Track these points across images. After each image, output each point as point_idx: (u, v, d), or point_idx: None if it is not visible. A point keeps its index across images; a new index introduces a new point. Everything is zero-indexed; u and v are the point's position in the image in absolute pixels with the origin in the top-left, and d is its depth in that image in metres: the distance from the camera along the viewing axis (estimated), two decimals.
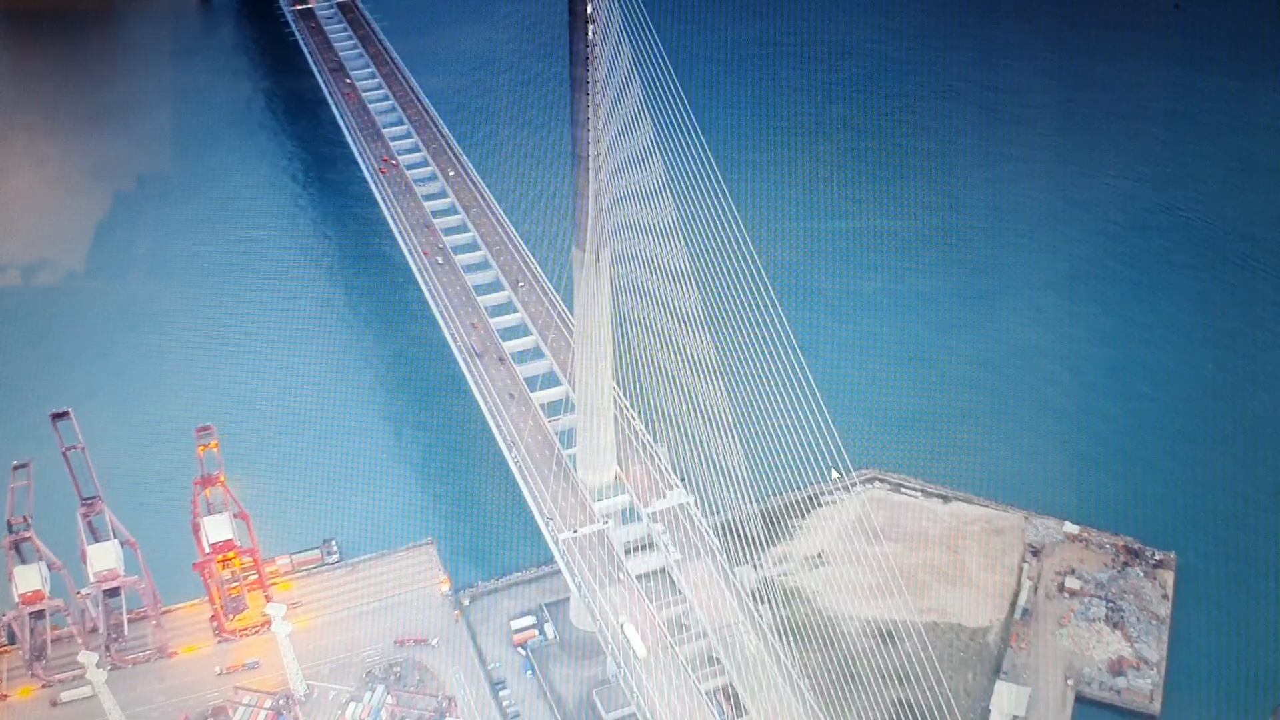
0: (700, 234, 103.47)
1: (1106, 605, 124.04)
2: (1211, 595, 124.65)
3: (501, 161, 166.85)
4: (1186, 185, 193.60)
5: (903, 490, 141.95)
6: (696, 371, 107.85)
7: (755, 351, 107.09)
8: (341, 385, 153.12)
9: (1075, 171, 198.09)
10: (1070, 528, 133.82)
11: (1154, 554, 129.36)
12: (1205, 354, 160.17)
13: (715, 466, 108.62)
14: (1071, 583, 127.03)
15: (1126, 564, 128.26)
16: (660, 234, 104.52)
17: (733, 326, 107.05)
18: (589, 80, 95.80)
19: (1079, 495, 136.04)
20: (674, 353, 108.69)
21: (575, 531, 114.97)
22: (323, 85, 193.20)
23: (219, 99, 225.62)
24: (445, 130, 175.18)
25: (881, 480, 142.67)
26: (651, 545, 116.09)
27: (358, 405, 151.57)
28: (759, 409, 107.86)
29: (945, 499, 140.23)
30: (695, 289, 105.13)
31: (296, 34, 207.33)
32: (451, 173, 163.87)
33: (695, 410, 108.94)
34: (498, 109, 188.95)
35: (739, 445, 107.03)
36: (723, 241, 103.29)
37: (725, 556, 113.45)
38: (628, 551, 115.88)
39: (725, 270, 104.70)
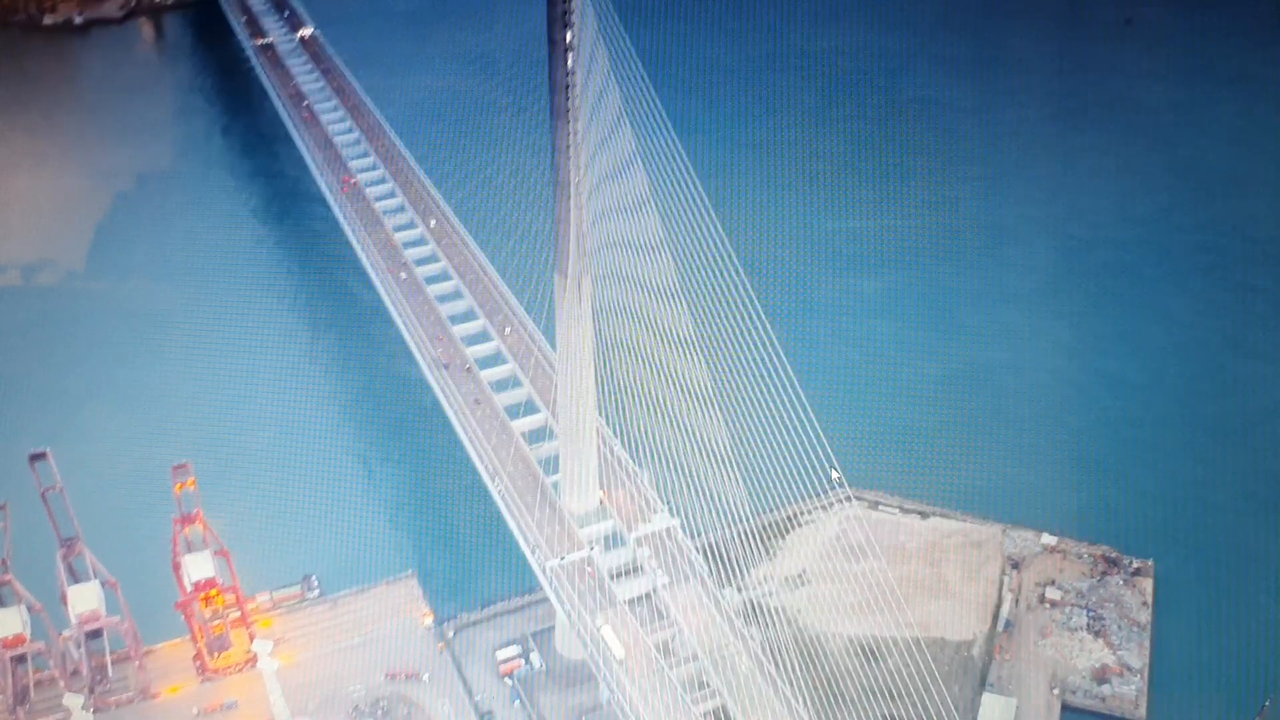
0: (680, 251, 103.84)
1: (1088, 614, 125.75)
2: (1190, 600, 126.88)
3: (474, 190, 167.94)
4: (1142, 198, 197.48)
5: (880, 507, 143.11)
6: (675, 393, 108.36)
7: (733, 371, 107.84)
8: (316, 419, 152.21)
9: (1032, 187, 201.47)
10: (1048, 539, 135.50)
11: (1132, 562, 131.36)
12: (1166, 364, 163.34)
13: (696, 488, 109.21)
14: (1052, 593, 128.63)
15: (1105, 573, 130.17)
16: (639, 250, 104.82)
17: (709, 346, 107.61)
18: (569, 108, 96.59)
19: (1055, 507, 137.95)
20: (652, 373, 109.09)
21: (563, 558, 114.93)
22: (285, 119, 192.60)
23: (175, 134, 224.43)
24: (421, 174, 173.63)
25: (859, 498, 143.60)
26: (639, 570, 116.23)
27: (333, 438, 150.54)
28: (739, 429, 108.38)
29: (923, 515, 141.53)
30: (674, 308, 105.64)
31: (257, 68, 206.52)
32: (433, 222, 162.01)
33: (676, 431, 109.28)
34: (470, 136, 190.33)
35: (719, 466, 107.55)
36: (705, 259, 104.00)
37: (713, 579, 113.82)
38: (614, 577, 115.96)
39: (706, 290, 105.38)
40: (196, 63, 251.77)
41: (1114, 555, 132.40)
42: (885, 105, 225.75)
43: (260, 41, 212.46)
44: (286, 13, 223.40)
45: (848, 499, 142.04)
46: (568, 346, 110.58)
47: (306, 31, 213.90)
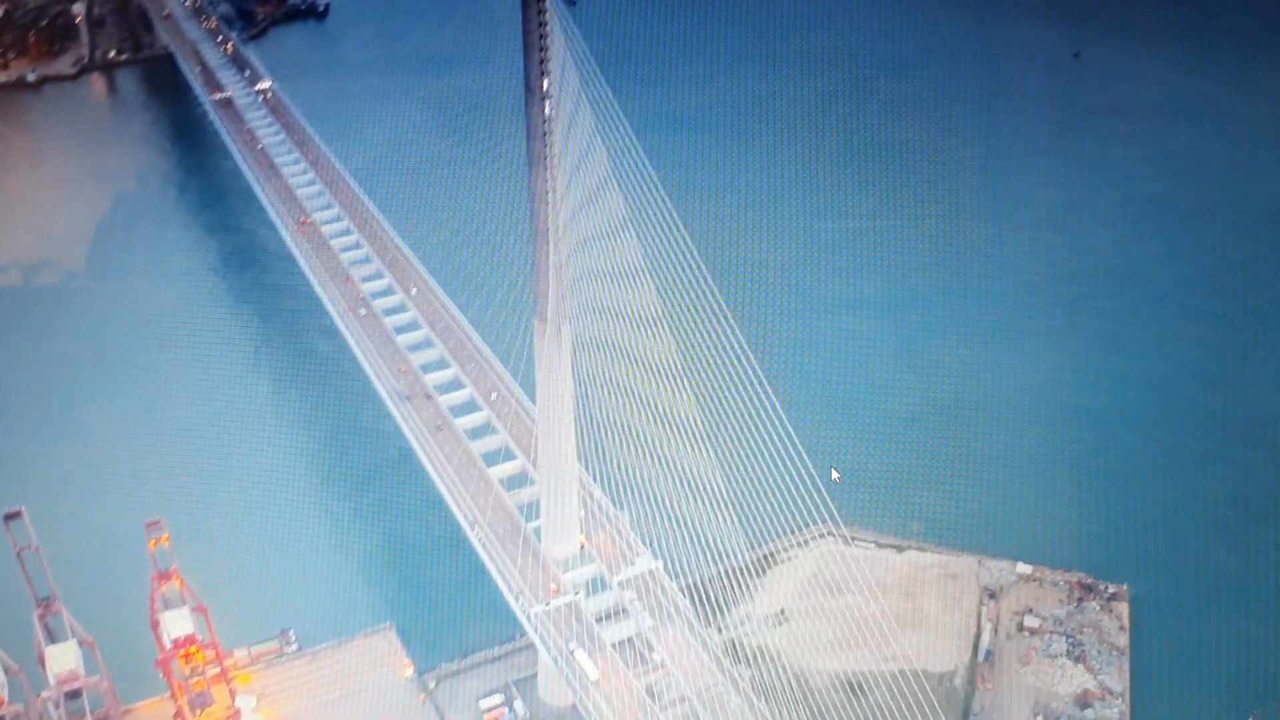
0: (659, 285, 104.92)
1: (1067, 640, 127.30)
2: (1166, 622, 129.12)
3: (444, 240, 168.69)
4: (1096, 231, 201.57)
5: (856, 543, 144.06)
6: (654, 432, 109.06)
7: (712, 409, 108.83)
8: (288, 472, 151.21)
9: (988, 223, 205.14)
10: (1023, 568, 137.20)
11: (1107, 588, 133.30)
12: (1124, 393, 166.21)
13: (676, 529, 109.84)
14: (1030, 621, 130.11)
15: (1081, 599, 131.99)
16: (618, 285, 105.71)
17: (689, 382, 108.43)
18: (546, 155, 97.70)
19: (1028, 536, 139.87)
20: (631, 412, 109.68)
21: (548, 604, 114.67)
22: (246, 172, 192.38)
23: (132, 189, 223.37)
24: (387, 226, 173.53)
25: (835, 534, 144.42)
26: (624, 612, 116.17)
27: (306, 490, 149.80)
28: (718, 466, 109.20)
29: (899, 549, 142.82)
30: (653, 342, 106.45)
31: (215, 122, 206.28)
32: (414, 291, 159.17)
33: (655, 471, 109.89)
34: (435, 185, 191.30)
35: (698, 506, 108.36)
36: (686, 294, 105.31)
37: (699, 619, 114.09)
38: (599, 620, 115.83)
39: (686, 323, 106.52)
40: (151, 117, 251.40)
41: (1089, 581, 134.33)
42: (834, 146, 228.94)
43: (218, 96, 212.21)
44: (244, 68, 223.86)
45: (824, 535, 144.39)
46: (548, 392, 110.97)
47: (265, 85, 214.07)
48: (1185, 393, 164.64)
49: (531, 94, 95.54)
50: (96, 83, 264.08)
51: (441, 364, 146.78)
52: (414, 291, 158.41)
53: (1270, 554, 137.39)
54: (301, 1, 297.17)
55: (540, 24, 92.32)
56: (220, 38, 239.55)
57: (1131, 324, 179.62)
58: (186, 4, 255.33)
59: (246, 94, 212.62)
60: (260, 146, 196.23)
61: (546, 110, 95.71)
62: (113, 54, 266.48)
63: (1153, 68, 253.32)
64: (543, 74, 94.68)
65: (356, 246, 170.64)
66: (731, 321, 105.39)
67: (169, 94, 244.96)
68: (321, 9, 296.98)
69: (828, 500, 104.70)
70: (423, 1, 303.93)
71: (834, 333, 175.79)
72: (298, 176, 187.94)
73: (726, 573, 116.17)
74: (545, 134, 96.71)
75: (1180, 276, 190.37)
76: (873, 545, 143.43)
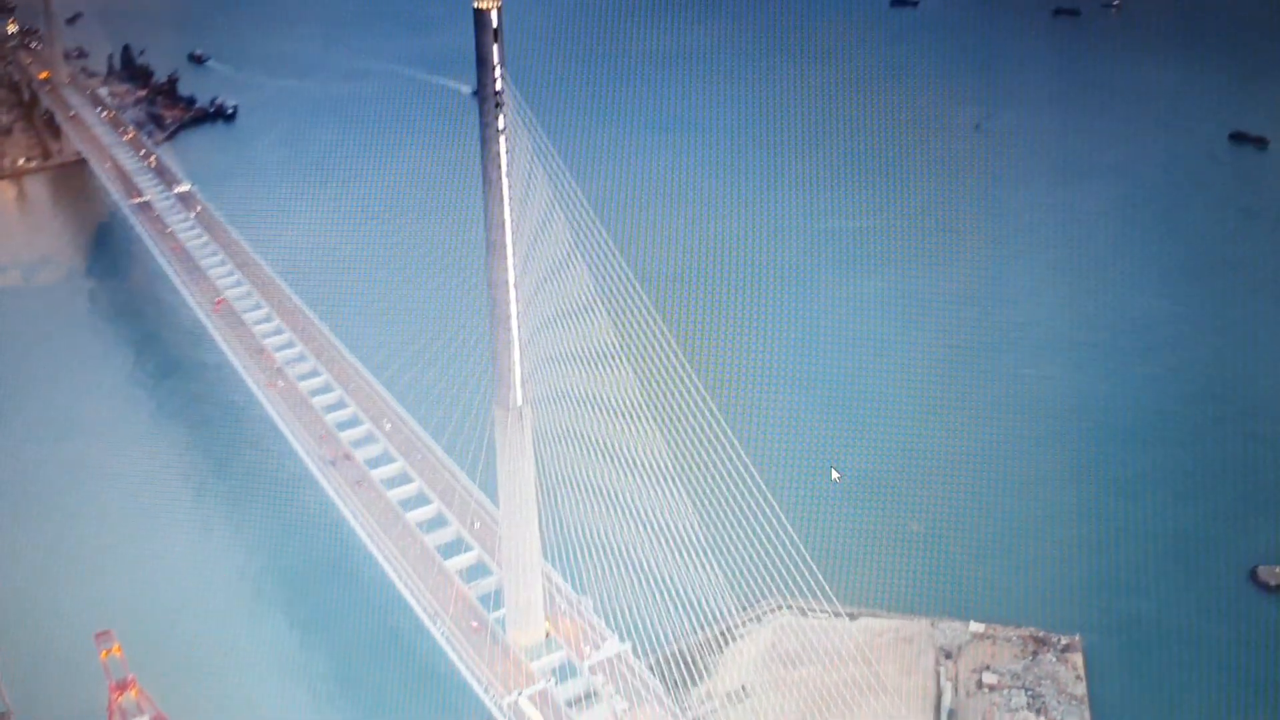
0: (620, 363, 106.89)
1: (1026, 694, 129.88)
2: (1121, 667, 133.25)
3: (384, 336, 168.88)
4: (1024, 300, 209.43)
5: (809, 614, 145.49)
6: (607, 515, 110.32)
7: (663, 489, 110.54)
8: (243, 574, 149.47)
9: (902, 297, 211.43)
10: (976, 626, 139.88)
11: (1060, 639, 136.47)
12: (1063, 456, 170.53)
13: (640, 610, 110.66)
14: (989, 677, 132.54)
15: (1036, 652, 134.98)
16: (578, 367, 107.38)
17: (641, 457, 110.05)
18: (505, 243, 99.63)
19: (977, 595, 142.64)
20: (587, 492, 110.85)
21: (520, 693, 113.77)
22: (170, 274, 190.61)
23: (41, 304, 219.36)
24: (329, 333, 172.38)
25: (788, 606, 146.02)
26: (596, 696, 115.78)
27: (257, 594, 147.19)
28: (678, 545, 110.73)
29: (852, 616, 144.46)
30: (609, 418, 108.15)
31: (136, 226, 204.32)
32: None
33: (616, 554, 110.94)
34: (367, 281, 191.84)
35: (656, 586, 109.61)
36: (651, 367, 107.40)
37: (670, 697, 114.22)
38: (570, 704, 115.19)
39: (643, 397, 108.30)
40: (65, 224, 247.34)
41: (1041, 635, 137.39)
42: (750, 226, 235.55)
43: (136, 200, 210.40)
44: (160, 171, 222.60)
45: (778, 609, 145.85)
46: (510, 479, 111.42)
47: (183, 188, 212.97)
48: (1109, 455, 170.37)
49: (490, 184, 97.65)
50: (5, 190, 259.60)
51: (387, 458, 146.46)
52: (359, 395, 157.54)
53: (1213, 595, 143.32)
54: (209, 105, 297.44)
55: (497, 115, 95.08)
56: (130, 139, 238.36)
57: (1049, 387, 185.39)
58: (101, 114, 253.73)
59: (165, 197, 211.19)
60: (183, 249, 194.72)
61: (506, 206, 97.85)
62: (21, 161, 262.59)
63: (1046, 136, 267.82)
64: (498, 166, 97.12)
65: (291, 345, 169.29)
66: (706, 396, 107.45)
67: (84, 199, 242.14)
68: (230, 112, 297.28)
69: (789, 572, 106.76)
70: (329, 102, 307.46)
71: (788, 406, 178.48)
72: (225, 279, 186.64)
73: (684, 650, 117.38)
74: (504, 224, 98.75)
75: (1106, 343, 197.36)
76: (827, 614, 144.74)
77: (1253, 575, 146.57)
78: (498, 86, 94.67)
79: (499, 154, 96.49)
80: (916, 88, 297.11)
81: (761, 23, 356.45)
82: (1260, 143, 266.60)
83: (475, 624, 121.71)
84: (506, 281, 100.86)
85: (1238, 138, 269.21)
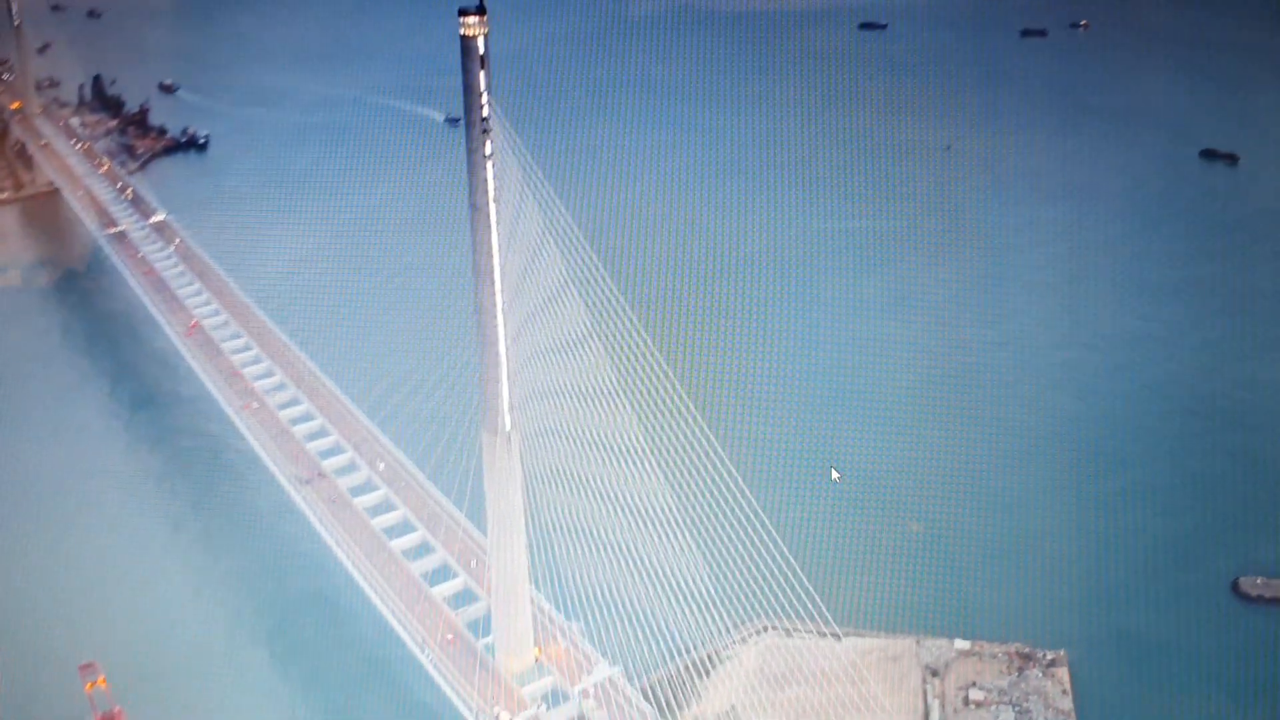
0: (610, 398, 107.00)
1: (1014, 709, 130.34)
2: (1107, 680, 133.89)
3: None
4: (1000, 322, 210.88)
5: (796, 634, 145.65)
6: (596, 538, 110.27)
7: (640, 514, 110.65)
8: (226, 604, 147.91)
9: (870, 315, 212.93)
10: (961, 644, 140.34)
11: (1045, 654, 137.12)
12: (1039, 475, 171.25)
13: (628, 633, 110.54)
14: (976, 694, 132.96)
15: (1022, 668, 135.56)
16: (567, 398, 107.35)
17: (627, 485, 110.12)
18: (493, 268, 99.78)
19: (961, 613, 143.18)
20: (568, 520, 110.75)
21: (513, 715, 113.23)
22: (147, 303, 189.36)
23: (15, 335, 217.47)
24: (307, 360, 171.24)
25: (775, 627, 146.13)
26: None
27: (243, 623, 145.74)
28: (664, 568, 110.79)
29: (838, 636, 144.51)
30: (593, 451, 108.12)
31: (112, 256, 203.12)
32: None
33: (603, 578, 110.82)
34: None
35: (645, 609, 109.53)
36: (642, 396, 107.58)
37: None
38: None
39: (635, 422, 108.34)
40: (38, 255, 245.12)
41: (1027, 650, 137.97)
42: (731, 251, 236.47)
43: (111, 230, 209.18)
44: (134, 201, 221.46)
45: (764, 630, 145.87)
46: (499, 506, 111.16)
47: (159, 217, 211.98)
48: (1087, 475, 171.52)
49: (476, 211, 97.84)
50: None
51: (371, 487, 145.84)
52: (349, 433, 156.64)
53: (1197, 607, 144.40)
54: (181, 135, 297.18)
55: (484, 141, 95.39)
56: (105, 170, 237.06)
57: (1019, 408, 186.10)
58: (75, 144, 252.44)
59: (140, 226, 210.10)
60: (160, 278, 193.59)
61: (495, 233, 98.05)
62: None
63: (1013, 156, 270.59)
64: (485, 192, 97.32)
65: (269, 375, 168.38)
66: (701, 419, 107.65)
67: (57, 229, 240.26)
68: (202, 141, 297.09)
69: (778, 592, 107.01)
70: (300, 131, 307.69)
71: (771, 427, 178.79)
72: (202, 308, 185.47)
73: (674, 673, 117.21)
74: (490, 251, 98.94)
75: (1083, 363, 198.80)
76: (813, 634, 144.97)
77: (1234, 587, 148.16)
78: (485, 113, 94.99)
79: (486, 180, 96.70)
80: (886, 109, 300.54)
81: (730, 47, 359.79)
82: (1230, 159, 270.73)
83: (451, 636, 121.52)
84: (494, 306, 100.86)
85: (1208, 154, 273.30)
